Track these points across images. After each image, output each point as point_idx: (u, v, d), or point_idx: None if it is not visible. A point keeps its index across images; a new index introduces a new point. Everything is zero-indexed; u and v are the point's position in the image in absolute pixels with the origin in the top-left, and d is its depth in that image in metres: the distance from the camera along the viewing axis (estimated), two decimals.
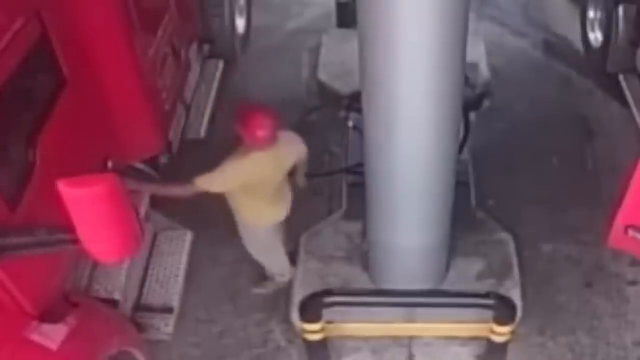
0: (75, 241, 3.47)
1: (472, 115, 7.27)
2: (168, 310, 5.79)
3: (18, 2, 4.29)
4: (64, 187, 3.27)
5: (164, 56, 6.41)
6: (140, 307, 5.76)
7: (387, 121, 4.72)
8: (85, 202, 3.30)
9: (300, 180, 5.78)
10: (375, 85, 4.60)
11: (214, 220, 6.51)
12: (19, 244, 3.74)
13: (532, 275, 6.11)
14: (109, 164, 5.25)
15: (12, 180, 4.05)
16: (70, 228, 3.42)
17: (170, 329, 5.72)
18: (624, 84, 7.88)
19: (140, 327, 5.54)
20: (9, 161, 4.06)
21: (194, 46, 7.59)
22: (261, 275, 6.17)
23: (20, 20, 4.21)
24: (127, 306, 5.57)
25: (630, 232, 4.24)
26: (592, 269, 6.29)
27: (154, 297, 5.85)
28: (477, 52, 8.07)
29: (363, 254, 5.92)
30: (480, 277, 5.88)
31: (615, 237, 4.33)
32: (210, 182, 5.08)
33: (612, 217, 4.32)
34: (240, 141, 5.11)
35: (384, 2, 4.15)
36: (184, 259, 6.16)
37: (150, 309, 5.77)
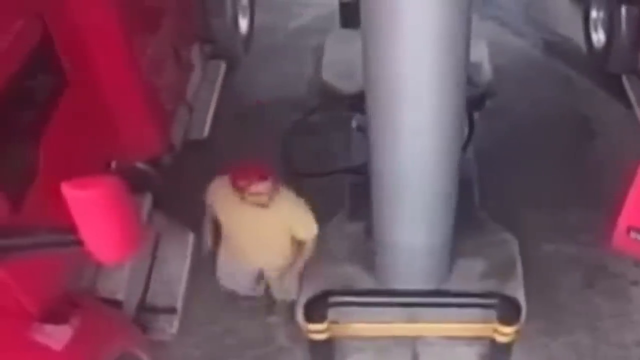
0: (78, 242, 3.47)
1: (475, 115, 7.26)
2: (171, 311, 5.77)
3: (20, 3, 4.29)
4: (67, 189, 3.26)
5: (166, 57, 6.41)
6: (143, 308, 5.73)
7: (391, 121, 4.72)
8: (88, 204, 3.29)
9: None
10: (380, 86, 4.60)
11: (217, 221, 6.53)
12: (23, 245, 3.73)
13: (534, 275, 6.09)
14: (113, 164, 5.26)
15: (16, 181, 4.05)
16: (73, 229, 3.41)
17: (173, 329, 5.71)
18: (626, 85, 7.87)
19: (143, 328, 5.53)
20: (12, 162, 4.06)
21: (196, 46, 7.59)
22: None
23: (22, 21, 4.21)
24: (131, 307, 5.56)
25: (633, 233, 4.25)
26: (594, 269, 6.30)
27: (157, 298, 5.84)
28: (479, 52, 8.05)
29: (367, 254, 5.91)
30: (483, 277, 5.87)
31: (618, 238, 4.34)
32: None
33: (615, 219, 4.32)
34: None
35: (388, 2, 4.15)
36: (187, 259, 6.14)
37: (153, 309, 5.75)
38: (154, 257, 6.04)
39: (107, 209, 3.35)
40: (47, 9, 4.51)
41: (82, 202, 3.31)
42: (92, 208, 3.34)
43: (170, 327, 5.69)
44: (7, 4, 4.14)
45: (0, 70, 4.01)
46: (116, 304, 5.33)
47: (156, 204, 6.13)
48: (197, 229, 6.25)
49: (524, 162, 7.21)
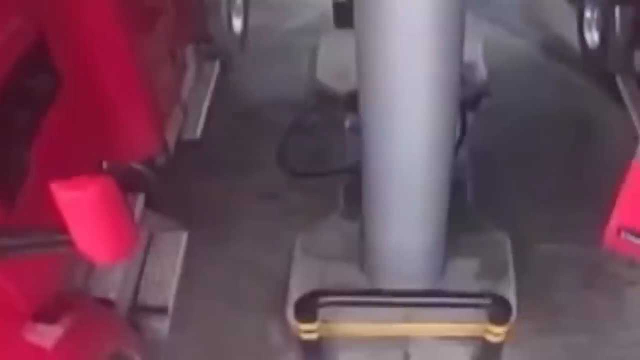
0: (70, 243, 3.46)
1: (470, 115, 7.26)
2: (164, 310, 5.76)
3: (15, 3, 4.29)
4: (57, 189, 3.26)
5: (161, 57, 6.40)
6: (136, 307, 5.73)
7: (383, 121, 4.73)
8: (79, 204, 3.28)
9: None
10: (372, 85, 4.61)
11: (209, 220, 6.54)
12: (14, 245, 3.73)
13: (531, 275, 6.10)
14: (104, 164, 5.25)
15: (8, 181, 4.04)
16: (64, 230, 3.40)
17: (166, 329, 5.70)
18: (621, 85, 7.88)
19: (136, 328, 5.53)
20: (4, 162, 4.04)
21: (191, 46, 7.59)
22: None
23: (16, 21, 4.21)
24: (123, 306, 5.55)
25: (623, 234, 4.25)
26: (592, 269, 6.29)
27: (150, 297, 5.82)
28: (474, 52, 8.07)
29: (360, 254, 5.91)
30: (476, 277, 5.87)
31: (609, 238, 4.35)
32: None
33: (607, 219, 4.33)
34: None
35: (381, 1, 4.15)
36: (180, 259, 6.13)
37: (146, 309, 5.74)
38: (146, 257, 6.03)
39: (98, 209, 3.34)
40: (42, 9, 4.50)
41: (72, 203, 3.31)
42: (83, 208, 3.32)
43: (162, 326, 5.68)
44: (1, 4, 4.14)
45: None
46: (108, 303, 5.33)
47: (149, 204, 6.13)
48: (189, 228, 6.29)
49: (520, 162, 7.21)
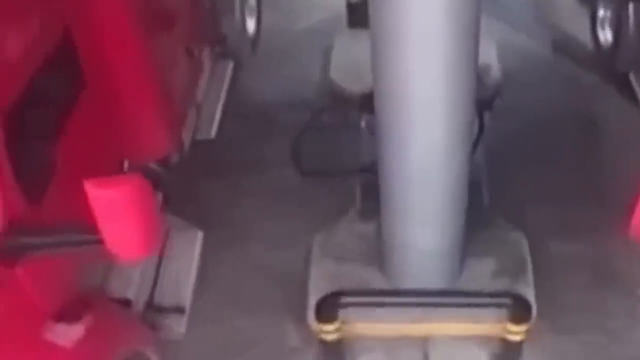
0: (99, 241, 3.47)
1: (485, 115, 7.26)
2: (180, 310, 5.79)
3: (42, 3, 4.32)
4: (90, 188, 3.27)
5: (179, 58, 6.43)
6: (152, 307, 5.75)
7: (400, 121, 4.72)
8: (113, 203, 3.30)
9: None
10: (388, 86, 4.60)
11: (225, 220, 6.54)
12: (41, 243, 3.74)
13: (544, 274, 6.06)
14: (125, 163, 5.28)
15: (35, 180, 4.06)
16: (92, 227, 3.41)
17: (182, 329, 5.72)
18: (634, 83, 7.88)
19: (153, 328, 5.54)
20: (32, 161, 4.06)
21: (207, 48, 7.61)
22: None
23: (44, 21, 4.25)
24: (140, 306, 5.58)
25: None
26: (604, 267, 6.28)
27: (166, 297, 5.85)
28: (488, 53, 8.05)
29: (377, 254, 5.90)
30: (494, 276, 5.85)
31: (636, 227, 4.31)
32: None
33: (632, 207, 4.30)
34: None
35: (397, 1, 4.15)
36: (196, 258, 6.16)
37: (162, 309, 5.77)
38: (162, 256, 6.05)
39: (132, 207, 3.36)
40: (68, 9, 4.54)
41: (107, 201, 3.32)
42: (117, 207, 3.34)
43: (178, 326, 5.70)
44: (29, 3, 4.17)
45: (23, 70, 4.04)
46: (125, 303, 5.35)
47: (164, 204, 6.15)
48: (205, 227, 6.30)
49: (531, 162, 7.19)
